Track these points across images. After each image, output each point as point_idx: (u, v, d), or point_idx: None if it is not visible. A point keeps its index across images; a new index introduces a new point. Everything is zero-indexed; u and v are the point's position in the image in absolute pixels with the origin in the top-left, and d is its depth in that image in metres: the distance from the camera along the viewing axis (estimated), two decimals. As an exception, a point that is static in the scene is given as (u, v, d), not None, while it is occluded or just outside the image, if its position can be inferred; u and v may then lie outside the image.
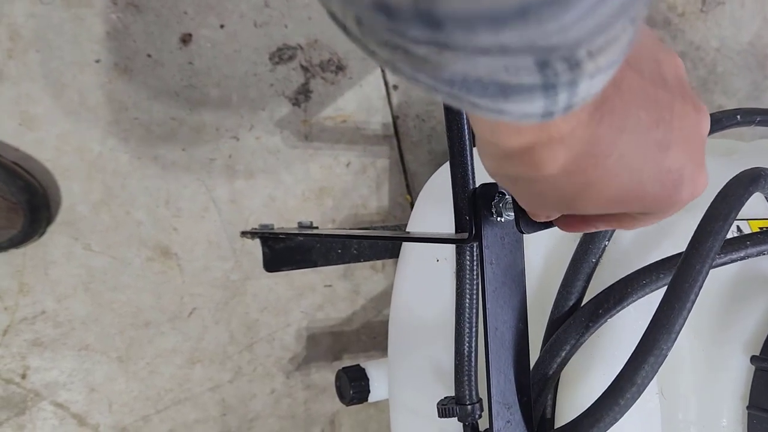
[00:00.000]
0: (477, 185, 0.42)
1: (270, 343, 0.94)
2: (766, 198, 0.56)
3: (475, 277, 0.45)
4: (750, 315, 0.52)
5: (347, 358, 0.99)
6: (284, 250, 0.63)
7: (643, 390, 0.40)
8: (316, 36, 0.95)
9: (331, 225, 0.97)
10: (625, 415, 0.48)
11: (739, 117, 0.60)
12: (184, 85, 0.88)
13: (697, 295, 0.40)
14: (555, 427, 0.47)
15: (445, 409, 0.49)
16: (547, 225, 0.39)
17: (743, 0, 1.25)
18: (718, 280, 0.55)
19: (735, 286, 0.55)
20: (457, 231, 0.46)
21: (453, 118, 0.45)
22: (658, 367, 0.40)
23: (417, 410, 0.57)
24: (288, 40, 0.94)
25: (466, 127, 0.45)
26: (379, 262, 1.01)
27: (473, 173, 0.45)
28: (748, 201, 0.58)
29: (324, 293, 0.97)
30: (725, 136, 1.19)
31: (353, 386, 0.63)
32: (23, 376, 0.83)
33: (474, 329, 0.46)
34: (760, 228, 0.58)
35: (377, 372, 0.64)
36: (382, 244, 0.66)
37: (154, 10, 0.87)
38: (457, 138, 0.44)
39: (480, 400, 0.49)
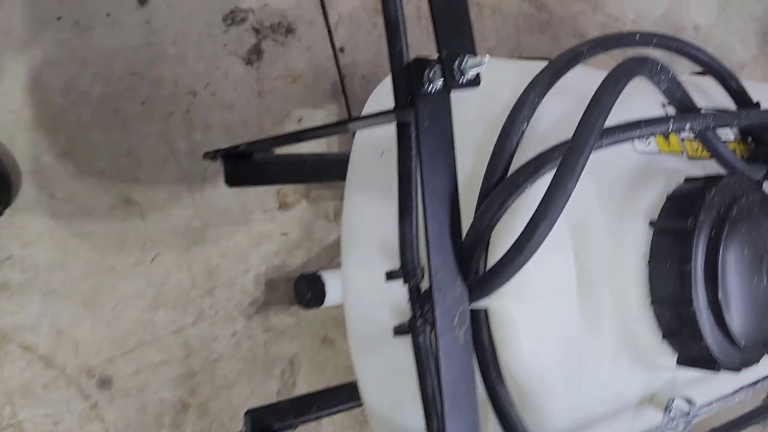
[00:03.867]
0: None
1: (230, 288, 1.00)
2: (662, 89, 0.65)
3: (412, 143, 0.53)
4: (649, 190, 0.61)
5: (323, 270, 1.05)
6: (245, 167, 0.69)
7: (554, 223, 0.48)
8: (266, 1, 1.02)
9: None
10: (544, 278, 0.56)
11: (637, 37, 0.69)
12: (143, 42, 0.94)
13: (596, 139, 0.48)
14: (487, 282, 0.54)
15: (392, 273, 0.56)
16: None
17: (654, -22, 1.39)
18: (622, 167, 0.64)
19: (637, 172, 0.64)
20: (395, 108, 0.53)
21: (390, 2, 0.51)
22: (565, 202, 0.48)
23: (369, 294, 0.64)
24: (240, 3, 1.00)
25: (400, 10, 0.52)
26: (332, 212, 1.08)
27: (407, 48, 0.52)
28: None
29: (280, 241, 1.03)
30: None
31: (311, 289, 0.69)
32: (-9, 319, 0.86)
33: (414, 189, 0.53)
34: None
35: (333, 279, 0.71)
36: (335, 166, 0.73)
37: (112, -27, 0.93)
38: (393, 19, 0.51)
39: (421, 267, 0.56)
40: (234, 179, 0.69)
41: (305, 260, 1.05)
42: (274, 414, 0.74)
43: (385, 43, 0.51)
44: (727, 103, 0.81)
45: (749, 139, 0.79)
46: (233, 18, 1.00)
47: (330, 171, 0.72)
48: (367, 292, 0.64)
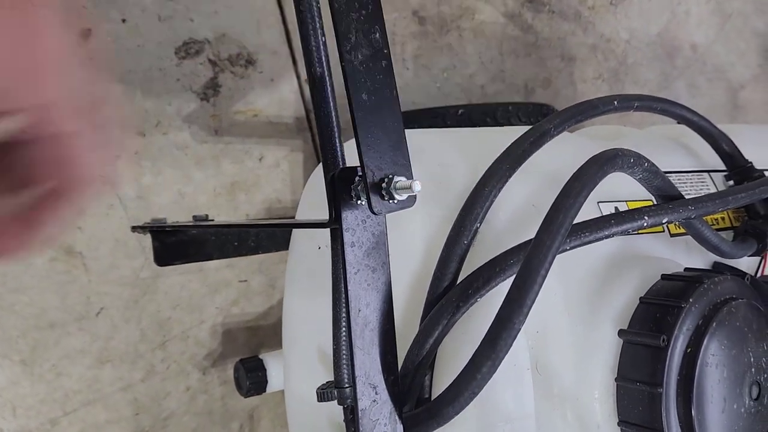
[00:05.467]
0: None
1: (184, 341, 0.93)
2: (638, 178, 0.58)
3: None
4: (620, 291, 0.55)
5: (265, 353, 0.99)
6: (177, 244, 0.62)
7: (499, 364, 0.41)
8: (223, 30, 0.94)
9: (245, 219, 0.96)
10: (497, 392, 0.50)
11: (616, 103, 0.62)
12: (85, 80, 0.86)
13: (547, 270, 0.41)
14: (430, 406, 0.48)
15: (324, 393, 0.50)
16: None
17: (650, -6, 1.30)
18: (593, 259, 0.57)
19: (608, 265, 0.57)
20: (329, 216, 0.46)
21: (321, 102, 0.46)
22: (512, 342, 0.41)
23: (309, 398, 0.57)
24: (194, 34, 0.93)
25: (333, 112, 0.46)
26: (295, 256, 1.01)
27: (343, 158, 0.46)
28: (632, 183, 0.60)
29: (239, 288, 0.97)
30: (626, 123, 1.23)
31: (250, 377, 0.63)
32: None
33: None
34: (634, 208, 0.60)
35: (275, 362, 0.64)
36: (280, 235, 0.67)
37: (51, 3, 0.85)
38: (325, 123, 0.44)
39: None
40: (164, 258, 0.62)
41: (266, 308, 0.99)
42: None
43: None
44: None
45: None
46: (187, 50, 0.92)
47: (278, 241, 0.66)
48: (306, 396, 0.57)
